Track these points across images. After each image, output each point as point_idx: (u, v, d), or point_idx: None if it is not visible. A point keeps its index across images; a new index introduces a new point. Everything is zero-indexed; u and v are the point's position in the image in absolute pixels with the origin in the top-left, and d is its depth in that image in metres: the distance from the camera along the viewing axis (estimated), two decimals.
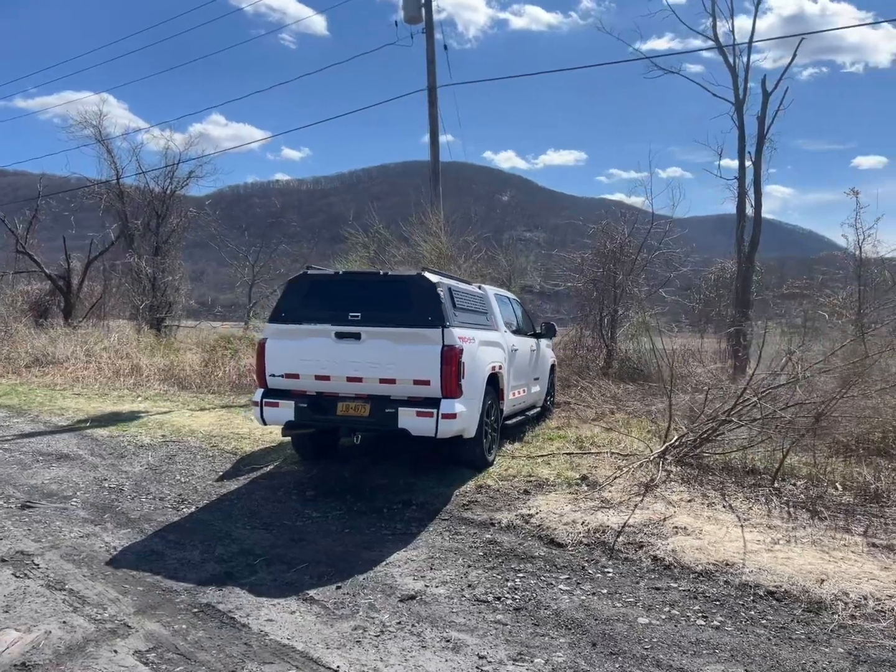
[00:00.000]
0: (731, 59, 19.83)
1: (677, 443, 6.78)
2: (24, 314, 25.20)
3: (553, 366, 10.86)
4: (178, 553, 5.06)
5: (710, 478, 6.44)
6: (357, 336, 6.17)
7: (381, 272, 6.70)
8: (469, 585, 4.46)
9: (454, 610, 4.12)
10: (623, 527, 5.21)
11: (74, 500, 6.32)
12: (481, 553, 5.01)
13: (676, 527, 5.14)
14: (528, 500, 6.01)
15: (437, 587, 4.45)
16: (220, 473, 7.20)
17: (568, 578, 4.51)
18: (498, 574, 4.63)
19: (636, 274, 17.97)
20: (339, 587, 4.49)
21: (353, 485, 6.68)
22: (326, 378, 6.29)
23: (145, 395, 13.02)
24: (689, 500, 5.83)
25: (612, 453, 7.42)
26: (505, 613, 4.06)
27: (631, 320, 17.76)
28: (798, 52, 19.39)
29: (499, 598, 4.25)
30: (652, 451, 6.84)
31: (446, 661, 3.52)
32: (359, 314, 6.24)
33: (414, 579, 4.59)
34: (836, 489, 6.01)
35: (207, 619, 4.01)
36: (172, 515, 5.93)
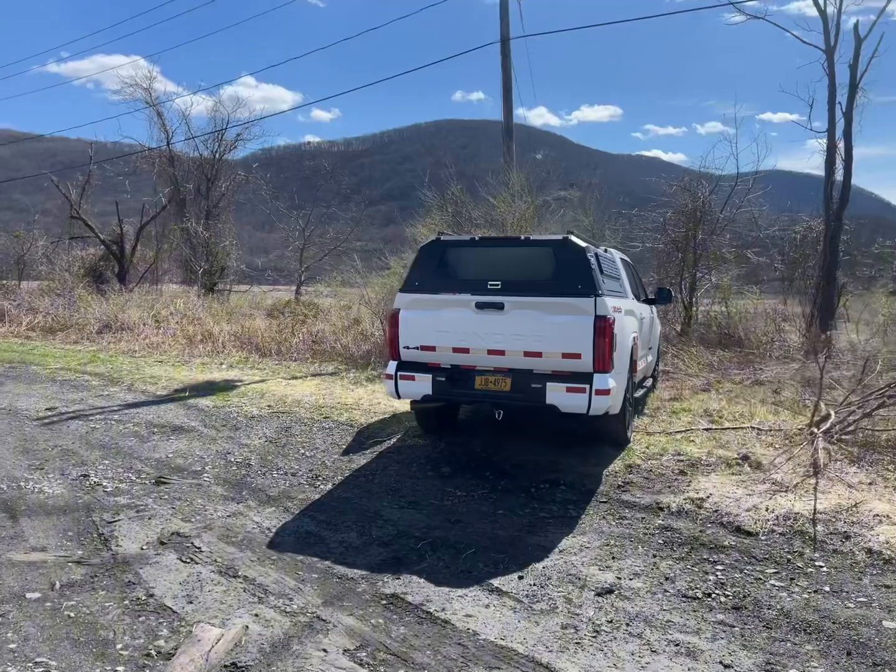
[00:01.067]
0: (821, 2, 18.64)
1: (839, 418, 6.31)
2: (81, 280, 25.44)
3: (660, 334, 10.40)
4: (335, 535, 4.83)
5: (878, 457, 5.98)
6: (500, 306, 5.78)
7: (522, 237, 6.28)
8: (666, 578, 4.13)
9: (664, 607, 3.79)
10: (814, 514, 4.81)
11: (205, 475, 6.13)
12: (661, 541, 4.67)
13: (877, 514, 4.72)
14: (690, 481, 5.64)
15: (630, 580, 4.13)
16: (344, 447, 6.96)
17: (777, 573, 4.14)
18: (692, 566, 4.28)
19: (718, 233, 17.25)
20: (521, 577, 4.20)
21: (489, 461, 6.38)
22: (465, 350, 5.95)
23: (229, 363, 12.90)
24: (870, 483, 5.40)
25: (754, 428, 6.99)
26: (724, 613, 3.71)
27: (712, 282, 17.11)
28: None
29: (709, 595, 3.90)
30: (812, 426, 6.38)
31: (688, 668, 3.20)
32: (499, 283, 5.86)
33: (600, 570, 4.28)
34: None
35: (402, 612, 3.75)
36: (312, 493, 5.70)
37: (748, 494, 5.23)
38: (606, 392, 5.60)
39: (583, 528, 4.95)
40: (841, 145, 18.16)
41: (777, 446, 6.40)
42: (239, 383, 10.41)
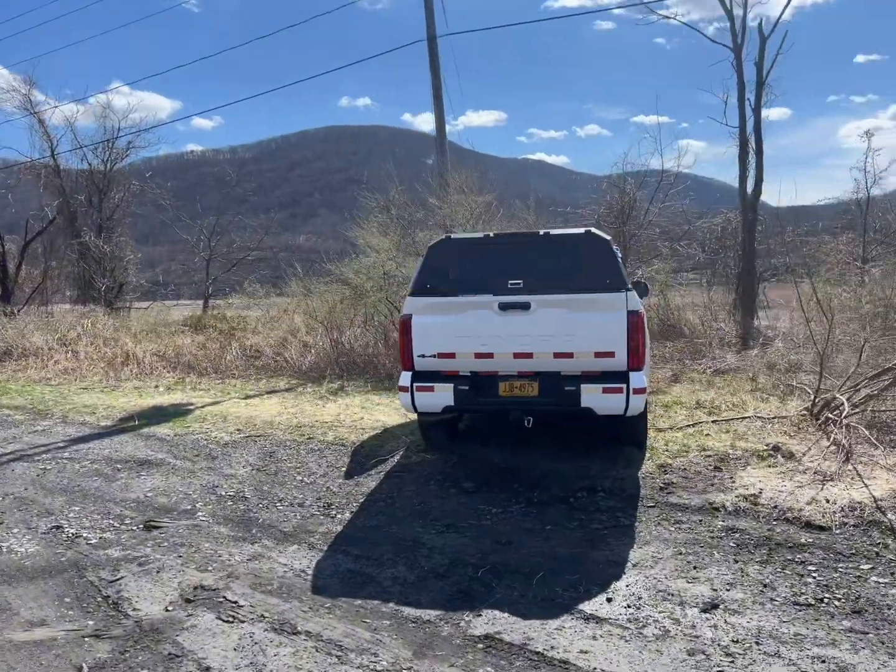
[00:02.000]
0: (727, 3, 19.42)
1: (848, 401, 6.32)
2: None
3: None
4: (383, 571, 4.31)
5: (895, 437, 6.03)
6: (526, 306, 5.41)
7: (541, 232, 5.92)
8: (764, 586, 3.88)
9: (782, 619, 3.52)
10: (876, 502, 4.72)
11: (200, 514, 5.43)
12: (733, 544, 4.43)
13: None
14: (732, 477, 5.46)
15: (727, 591, 3.85)
16: (344, 469, 6.38)
17: (873, 568, 3.98)
18: (781, 569, 4.06)
19: (646, 227, 17.67)
20: (609, 599, 3.84)
21: (511, 472, 5.98)
22: (489, 356, 5.54)
23: (166, 385, 11.89)
24: None
25: (758, 417, 6.94)
26: (848, 619, 3.49)
27: (642, 276, 17.44)
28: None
29: (820, 601, 3.68)
30: (822, 411, 6.37)
31: None
32: (520, 281, 5.49)
33: (688, 582, 3.98)
34: None
35: (509, 655, 3.31)
36: (331, 524, 5.13)
37: (798, 487, 5.09)
38: (643, 390, 5.35)
39: (643, 537, 4.64)
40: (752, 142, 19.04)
41: (791, 434, 6.36)
42: (191, 406, 9.52)
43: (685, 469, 5.74)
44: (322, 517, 5.29)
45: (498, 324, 5.46)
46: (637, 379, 5.33)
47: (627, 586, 3.99)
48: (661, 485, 5.45)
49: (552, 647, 3.37)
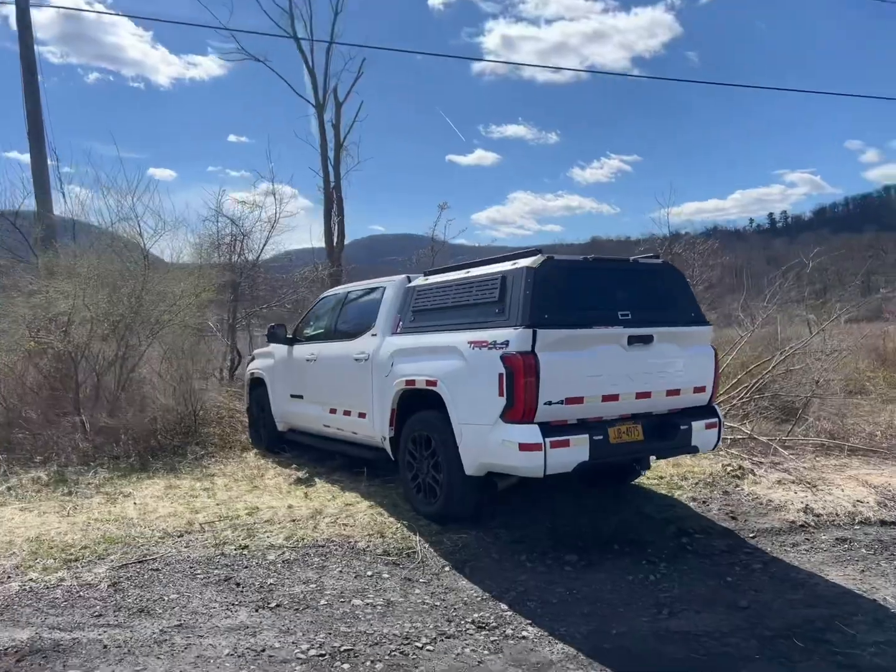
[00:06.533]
0: (310, 61, 19.95)
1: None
2: None
3: None
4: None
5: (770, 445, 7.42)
6: (648, 339, 4.86)
7: (630, 259, 5.27)
8: None
9: None
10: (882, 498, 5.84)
11: None
12: (868, 552, 4.91)
13: None
14: (758, 497, 5.91)
15: None
16: (385, 577, 4.45)
17: None
18: None
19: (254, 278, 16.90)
20: None
21: (585, 534, 5.16)
22: (615, 398, 4.73)
23: None
24: (815, 467, 6.78)
25: None
26: None
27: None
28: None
29: None
30: None
31: None
32: (628, 312, 4.91)
33: None
34: None
35: None
36: (543, 646, 3.65)
37: (814, 496, 5.90)
38: (723, 423, 5.41)
39: (805, 566, 4.72)
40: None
41: (696, 456, 7.21)
42: None
43: (711, 498, 5.95)
44: (512, 641, 3.71)
45: (625, 360, 4.76)
46: (719, 412, 5.37)
47: None
48: (728, 517, 5.55)
49: None
